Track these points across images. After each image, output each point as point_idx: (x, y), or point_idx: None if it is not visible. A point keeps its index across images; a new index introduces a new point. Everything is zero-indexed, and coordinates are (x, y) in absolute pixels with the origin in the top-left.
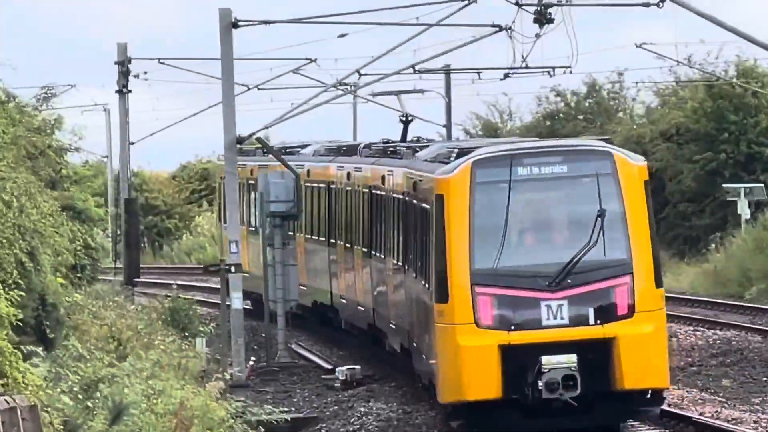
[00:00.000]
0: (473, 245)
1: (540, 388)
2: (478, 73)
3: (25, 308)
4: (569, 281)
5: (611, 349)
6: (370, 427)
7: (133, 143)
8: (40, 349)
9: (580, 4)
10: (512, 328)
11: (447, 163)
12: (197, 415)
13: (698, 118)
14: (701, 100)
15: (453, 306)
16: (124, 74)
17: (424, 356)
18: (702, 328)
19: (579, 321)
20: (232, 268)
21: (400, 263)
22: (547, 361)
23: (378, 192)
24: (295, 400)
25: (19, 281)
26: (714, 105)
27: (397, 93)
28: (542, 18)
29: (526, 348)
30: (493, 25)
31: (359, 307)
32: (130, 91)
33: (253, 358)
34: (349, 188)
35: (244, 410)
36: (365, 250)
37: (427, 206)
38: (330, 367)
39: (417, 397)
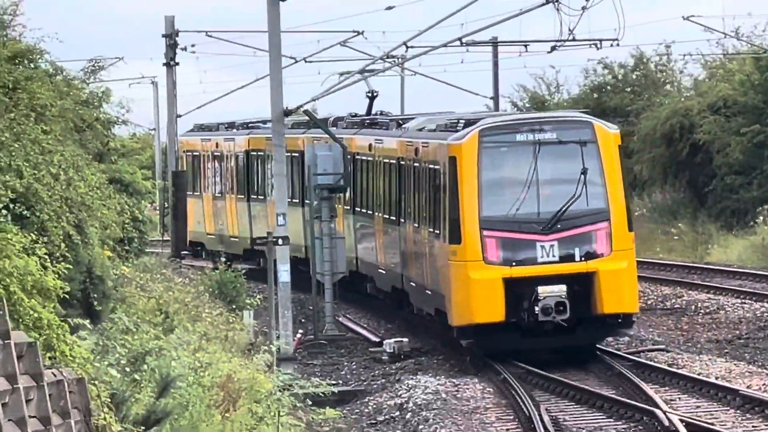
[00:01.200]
0: (481, 197)
1: (536, 312)
2: (525, 45)
3: (73, 281)
4: (559, 226)
5: (593, 281)
6: (417, 400)
7: (180, 116)
8: (87, 322)
9: None
10: (513, 264)
11: (455, 132)
12: (244, 388)
13: (746, 91)
14: (749, 72)
15: (465, 246)
16: (172, 47)
17: (428, 291)
18: (749, 301)
19: (567, 258)
20: (279, 241)
21: (402, 218)
22: (543, 290)
23: (365, 158)
24: (342, 372)
25: (67, 254)
26: (762, 78)
27: (361, 72)
28: None
29: (525, 280)
30: None
31: (380, 270)
32: (177, 63)
33: (300, 331)
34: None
35: (291, 383)
36: (376, 213)
37: (437, 167)
38: (377, 339)
39: (464, 370)
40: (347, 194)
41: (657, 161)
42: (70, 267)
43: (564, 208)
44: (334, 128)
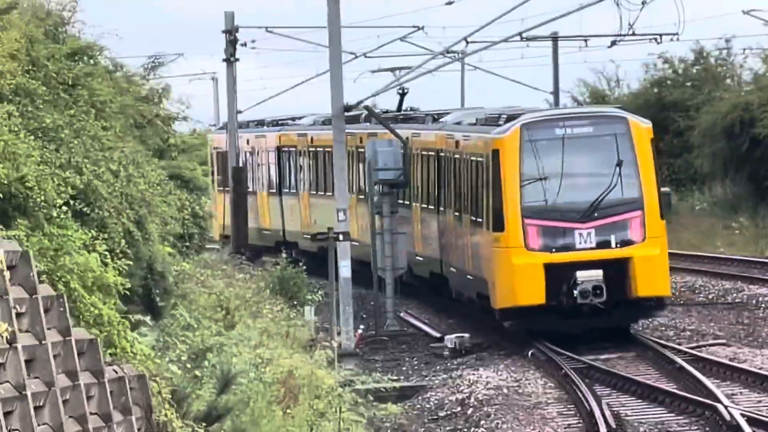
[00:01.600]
0: (522, 188)
1: (575, 295)
2: (586, 40)
3: (133, 277)
4: (596, 215)
5: (628, 266)
6: (478, 395)
7: (240, 112)
8: (148, 318)
9: None
10: (553, 250)
11: (497, 126)
12: (305, 384)
13: None
14: None
15: (508, 234)
16: (232, 43)
17: (470, 277)
18: None
19: (604, 245)
20: (341, 237)
21: (442, 207)
22: (581, 275)
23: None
24: (403, 368)
25: (127, 250)
26: None
27: (392, 69)
28: None
29: (564, 265)
30: None
31: (418, 257)
32: (237, 59)
33: (361, 327)
34: None
35: (353, 379)
36: (414, 203)
37: (480, 159)
38: (439, 335)
39: (526, 365)
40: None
41: (717, 155)
42: (131, 263)
43: (600, 198)
44: (368, 123)
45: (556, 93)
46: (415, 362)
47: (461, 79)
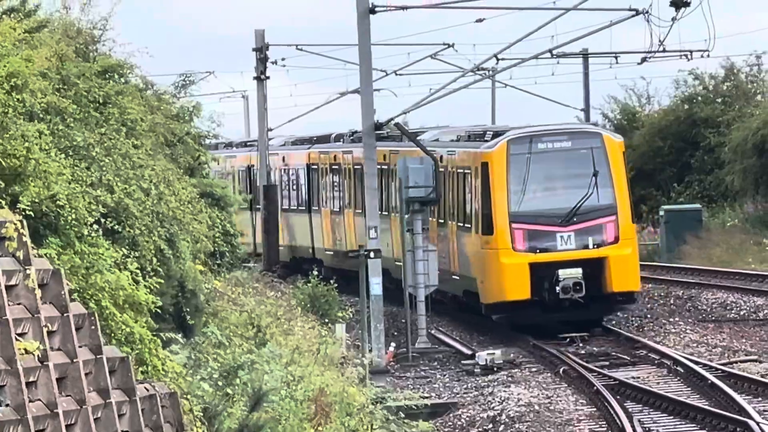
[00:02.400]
0: (510, 196)
1: (557, 291)
2: (616, 57)
3: (165, 295)
4: (575, 219)
5: (603, 265)
6: (510, 413)
7: (271, 129)
8: (179, 336)
9: None
10: (537, 251)
11: (484, 142)
12: (337, 401)
13: None
14: None
15: (497, 236)
16: (262, 61)
17: (456, 276)
18: None
19: (582, 246)
20: (372, 254)
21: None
22: (562, 273)
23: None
24: (435, 385)
25: (158, 268)
26: None
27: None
28: (679, 1)
29: (547, 265)
30: (630, 9)
31: (398, 263)
32: (268, 77)
33: (392, 344)
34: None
35: (384, 396)
36: (392, 214)
37: (468, 171)
38: (470, 352)
39: (557, 382)
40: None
41: (748, 172)
42: (162, 281)
43: (579, 204)
44: (339, 143)
45: (586, 110)
46: (447, 379)
47: (492, 96)
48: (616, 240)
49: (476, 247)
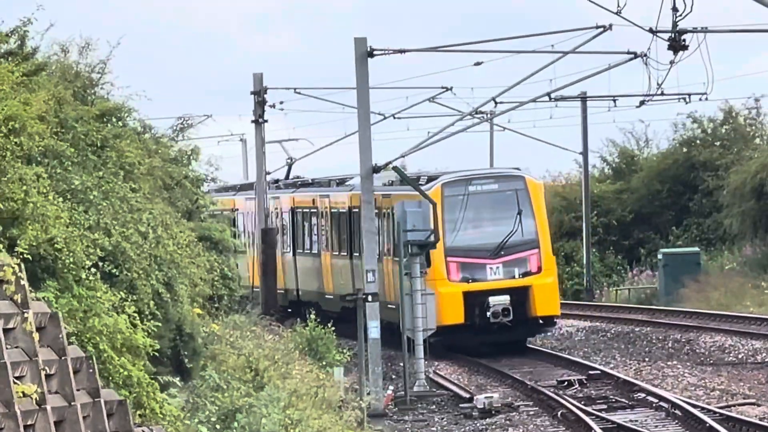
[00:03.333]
0: (445, 232)
1: (488, 316)
2: (614, 100)
3: (163, 338)
4: (503, 253)
5: (528, 292)
6: None
7: (269, 173)
8: (177, 380)
9: (716, 30)
10: (470, 281)
11: (421, 186)
12: None
13: None
14: None
15: (434, 269)
16: (260, 104)
17: (391, 306)
18: None
19: (510, 276)
20: (369, 297)
21: (356, 253)
22: (492, 300)
23: (307, 210)
24: (433, 429)
25: (156, 312)
26: None
27: (280, 141)
28: (677, 45)
29: (479, 293)
30: (629, 53)
31: (327, 296)
32: (266, 120)
33: (390, 387)
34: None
35: None
36: (323, 252)
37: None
38: (468, 395)
39: (555, 425)
40: (289, 238)
41: (747, 215)
42: (160, 325)
43: (506, 240)
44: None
45: (585, 153)
46: (445, 423)
47: (490, 139)
48: (539, 270)
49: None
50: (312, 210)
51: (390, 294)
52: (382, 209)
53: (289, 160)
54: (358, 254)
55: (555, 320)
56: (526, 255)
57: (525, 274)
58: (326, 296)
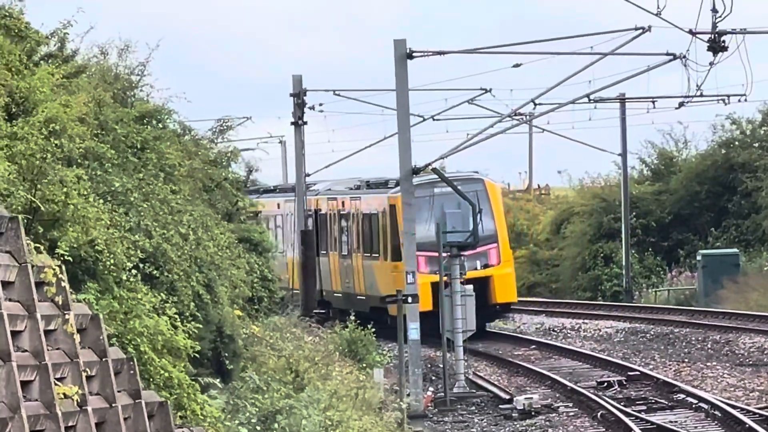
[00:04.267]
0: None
1: None
2: (653, 101)
3: (203, 340)
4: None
5: (489, 282)
6: None
7: (309, 175)
8: (217, 381)
9: (755, 32)
10: (437, 272)
11: (388, 189)
12: None
13: None
14: None
15: (405, 262)
16: (300, 106)
17: (362, 297)
18: None
19: (472, 267)
20: (409, 299)
21: (324, 250)
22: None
23: (274, 214)
24: (473, 430)
25: (197, 313)
26: None
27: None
28: (716, 46)
29: (445, 283)
30: (668, 54)
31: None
32: (305, 123)
33: (430, 389)
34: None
35: None
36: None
37: (375, 213)
38: (508, 396)
39: (595, 426)
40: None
41: None
42: (200, 326)
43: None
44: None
45: (624, 154)
46: (484, 424)
47: (529, 141)
48: (499, 262)
49: (386, 271)
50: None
51: (360, 287)
52: (351, 210)
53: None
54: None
55: (511, 306)
56: (487, 249)
57: (486, 266)
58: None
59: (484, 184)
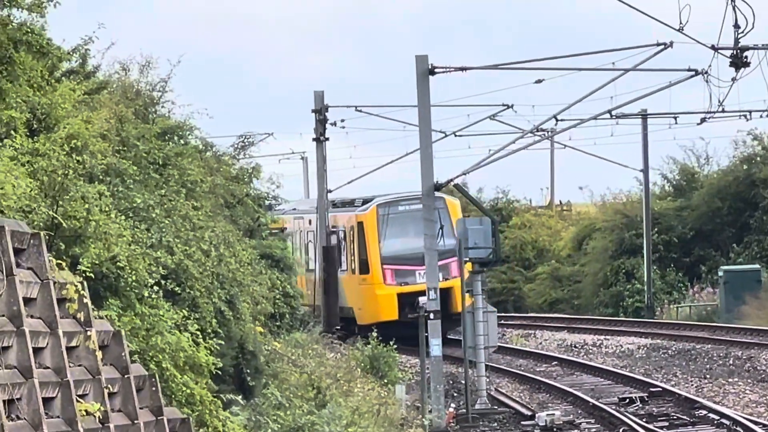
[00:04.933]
0: (381, 244)
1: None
2: (675, 117)
3: (225, 357)
4: None
5: (450, 293)
6: None
7: (331, 191)
8: (239, 398)
9: None
10: (402, 284)
11: (356, 207)
12: None
13: None
14: None
15: (372, 275)
16: (322, 122)
17: (339, 307)
18: None
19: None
20: (431, 315)
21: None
22: (422, 299)
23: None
24: None
25: (218, 330)
26: None
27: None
28: (739, 61)
29: (410, 294)
30: (689, 70)
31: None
32: (327, 139)
33: (452, 405)
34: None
35: None
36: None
37: (344, 229)
38: (530, 413)
39: None
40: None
41: None
42: (222, 343)
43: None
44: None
45: (645, 170)
46: None
47: (551, 157)
48: (458, 275)
49: (354, 284)
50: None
51: (315, 299)
52: (307, 229)
53: None
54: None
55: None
56: (448, 262)
57: (447, 278)
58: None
59: (444, 202)
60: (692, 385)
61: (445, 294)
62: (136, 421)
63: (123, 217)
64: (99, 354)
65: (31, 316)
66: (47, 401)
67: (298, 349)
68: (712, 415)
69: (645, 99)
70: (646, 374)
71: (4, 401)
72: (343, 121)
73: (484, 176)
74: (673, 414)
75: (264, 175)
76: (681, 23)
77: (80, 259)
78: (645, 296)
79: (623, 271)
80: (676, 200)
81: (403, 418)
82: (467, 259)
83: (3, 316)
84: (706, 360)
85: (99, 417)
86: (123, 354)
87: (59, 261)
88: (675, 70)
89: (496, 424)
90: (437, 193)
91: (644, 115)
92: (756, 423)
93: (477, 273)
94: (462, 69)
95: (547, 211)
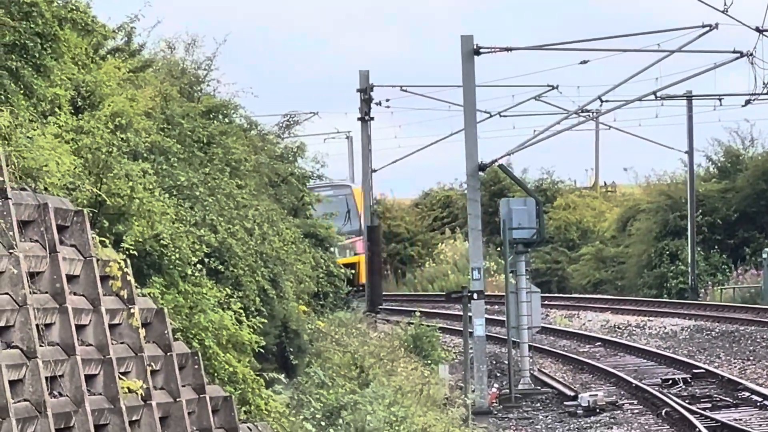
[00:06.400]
0: None
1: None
2: (720, 99)
3: (268, 335)
4: (340, 239)
5: (357, 266)
6: None
7: (375, 170)
8: (282, 376)
9: None
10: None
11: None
12: None
13: None
14: None
15: None
16: (367, 102)
17: None
18: None
19: (343, 255)
20: (475, 295)
21: None
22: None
23: None
24: (537, 427)
25: (262, 308)
26: None
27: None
28: None
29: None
30: (734, 52)
31: None
32: (372, 118)
33: (495, 385)
34: None
35: None
36: None
37: None
38: (572, 393)
39: (660, 423)
40: None
41: None
42: (265, 321)
43: (340, 230)
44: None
45: (690, 152)
46: (549, 421)
47: (595, 138)
48: (362, 252)
49: None
50: None
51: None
52: None
53: None
54: None
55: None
56: (355, 241)
57: (354, 254)
58: None
59: (351, 190)
60: (735, 366)
61: (353, 267)
62: (178, 399)
63: (167, 195)
64: (142, 332)
65: (74, 294)
66: (90, 378)
67: (342, 328)
68: (755, 397)
69: (690, 80)
70: (690, 356)
71: (46, 378)
72: (388, 100)
73: (529, 157)
74: (716, 396)
75: (308, 154)
76: (725, 5)
77: (124, 237)
78: (689, 278)
79: (667, 252)
80: (720, 182)
81: (446, 397)
82: (512, 239)
83: (46, 293)
84: (749, 342)
85: (141, 394)
86: (166, 332)
87: (103, 238)
88: (720, 51)
89: (539, 405)
90: (344, 181)
91: (689, 97)
92: None
93: (521, 253)
94: (507, 49)
95: (592, 192)
